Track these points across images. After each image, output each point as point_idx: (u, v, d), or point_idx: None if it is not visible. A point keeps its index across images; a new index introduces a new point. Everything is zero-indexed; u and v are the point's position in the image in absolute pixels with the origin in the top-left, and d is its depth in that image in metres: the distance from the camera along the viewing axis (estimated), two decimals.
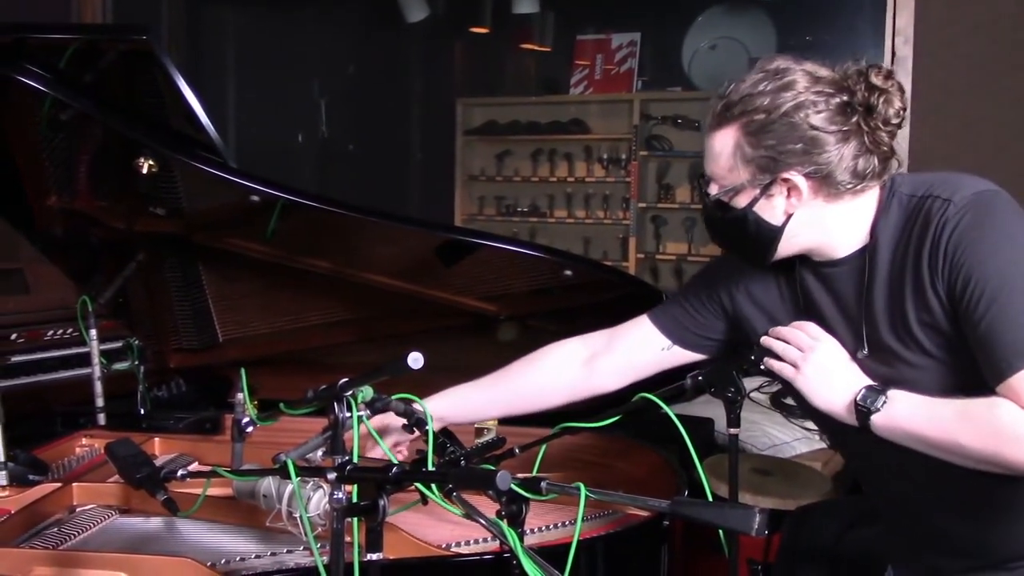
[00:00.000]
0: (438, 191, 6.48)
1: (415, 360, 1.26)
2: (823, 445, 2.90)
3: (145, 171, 2.04)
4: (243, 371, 1.98)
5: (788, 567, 1.94)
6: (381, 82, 6.48)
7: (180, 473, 1.71)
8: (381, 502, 1.28)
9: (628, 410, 1.77)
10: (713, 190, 1.60)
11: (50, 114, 2.06)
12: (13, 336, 3.38)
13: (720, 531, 1.76)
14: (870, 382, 1.55)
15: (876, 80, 1.50)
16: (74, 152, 2.26)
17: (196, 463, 2.50)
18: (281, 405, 1.77)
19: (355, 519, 1.41)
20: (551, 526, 2.05)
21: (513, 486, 1.26)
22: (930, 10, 3.38)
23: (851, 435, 1.60)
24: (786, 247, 1.60)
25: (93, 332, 2.38)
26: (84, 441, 2.55)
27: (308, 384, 2.49)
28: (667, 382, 1.85)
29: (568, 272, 2.06)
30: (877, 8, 3.65)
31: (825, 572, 1.87)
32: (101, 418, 2.47)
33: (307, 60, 6.10)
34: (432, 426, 1.60)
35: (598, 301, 2.32)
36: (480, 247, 2.24)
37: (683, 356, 1.86)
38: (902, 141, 3.71)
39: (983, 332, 1.42)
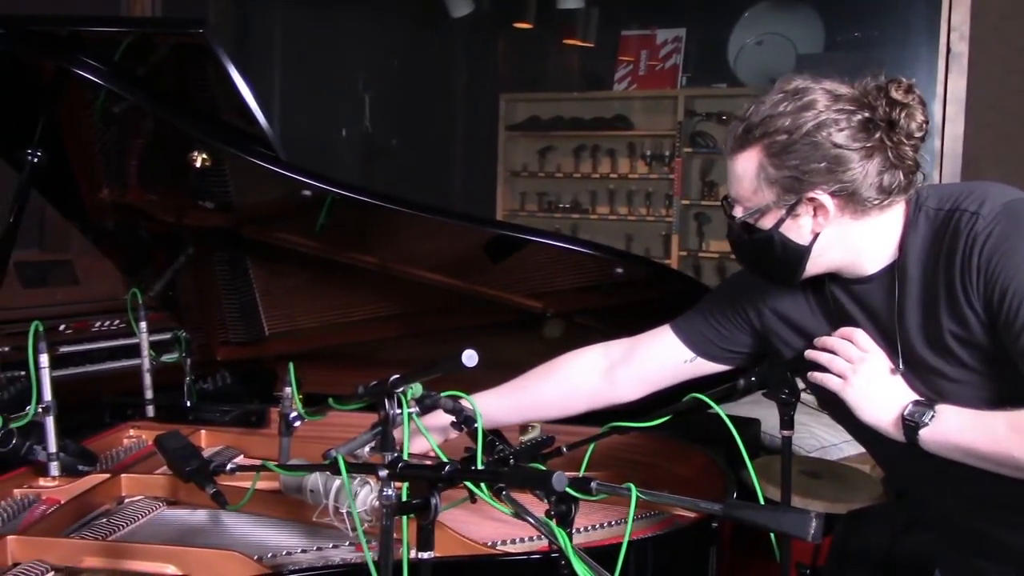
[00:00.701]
0: (480, 186, 6.47)
1: (469, 358, 1.25)
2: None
3: (198, 165, 2.05)
4: (291, 365, 1.98)
5: (838, 572, 1.90)
6: (424, 77, 6.48)
7: (229, 467, 1.71)
8: (433, 500, 1.26)
9: (679, 410, 1.75)
10: (738, 212, 1.58)
11: (104, 107, 2.07)
12: (62, 327, 3.42)
13: (771, 535, 1.74)
14: (916, 396, 1.53)
15: (897, 95, 1.48)
16: (126, 146, 2.27)
17: (242, 456, 2.51)
18: (330, 400, 1.77)
19: (405, 517, 1.40)
20: (597, 526, 2.04)
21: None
22: (987, 5, 3.31)
23: (888, 445, 1.57)
24: (814, 266, 1.58)
25: (143, 324, 2.39)
26: (131, 432, 2.57)
27: (353, 379, 2.48)
28: (719, 382, 1.83)
29: (619, 270, 2.03)
30: (931, 4, 3.58)
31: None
32: (150, 410, 2.48)
33: (351, 55, 6.12)
34: (481, 424, 1.58)
35: (645, 298, 2.30)
36: (529, 243, 2.22)
37: (706, 367, 1.85)
38: (955, 141, 3.68)
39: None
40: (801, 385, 1.69)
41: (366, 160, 6.31)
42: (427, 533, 1.29)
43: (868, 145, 1.47)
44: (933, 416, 1.48)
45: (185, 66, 2.20)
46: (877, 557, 1.84)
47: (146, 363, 2.42)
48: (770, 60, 5.76)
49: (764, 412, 2.78)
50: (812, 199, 1.51)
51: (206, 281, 2.58)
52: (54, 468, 2.10)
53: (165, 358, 2.50)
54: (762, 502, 1.63)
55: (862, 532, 1.91)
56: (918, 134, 1.49)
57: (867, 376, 1.56)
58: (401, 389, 1.44)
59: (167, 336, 2.73)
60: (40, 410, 2.03)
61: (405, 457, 1.46)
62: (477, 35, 6.56)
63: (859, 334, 1.60)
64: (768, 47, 5.77)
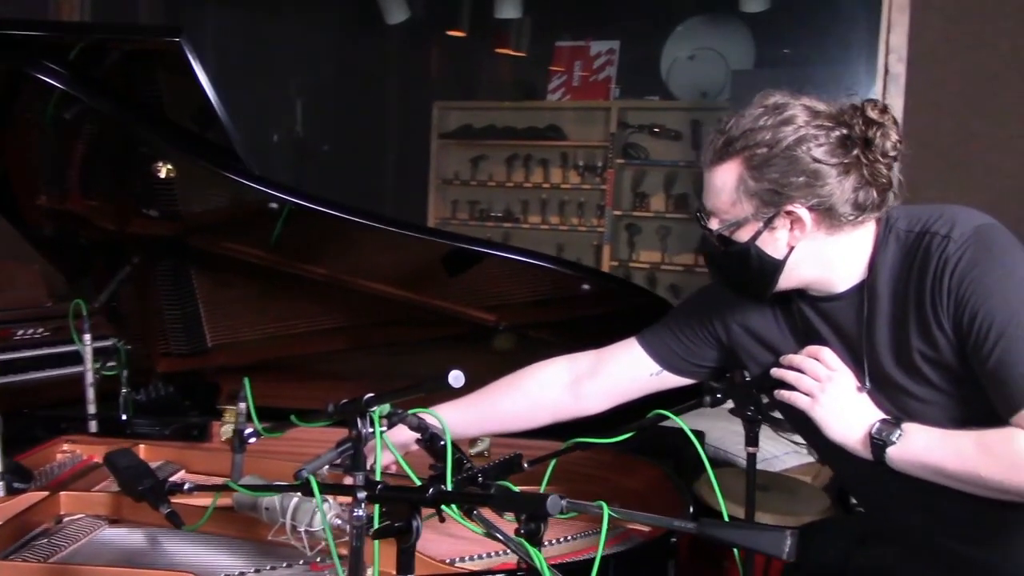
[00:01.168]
0: (412, 193, 6.43)
1: (456, 379, 1.22)
2: (811, 459, 2.90)
3: (163, 175, 1.98)
4: (246, 380, 1.93)
5: None
6: (358, 83, 6.41)
7: (187, 486, 1.66)
8: (415, 523, 1.24)
9: (643, 426, 1.75)
10: (714, 224, 1.60)
11: (54, 112, 1.99)
12: None
13: (735, 552, 1.75)
14: (883, 415, 1.56)
15: (872, 114, 1.52)
16: (68, 152, 2.19)
17: (183, 471, 2.44)
18: (292, 417, 1.72)
19: (375, 540, 1.37)
20: (552, 541, 2.03)
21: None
22: (924, 28, 3.40)
23: (855, 463, 1.60)
24: (787, 280, 1.61)
25: (87, 336, 2.31)
26: (65, 447, 2.48)
27: (298, 392, 2.47)
28: (682, 396, 1.84)
29: (586, 286, 2.02)
30: (870, 26, 3.67)
31: None
32: (93, 425, 2.39)
33: (284, 58, 6.03)
34: (450, 441, 1.56)
35: (601, 312, 2.29)
36: (490, 258, 2.20)
37: (672, 381, 1.87)
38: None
39: (993, 366, 1.44)
40: (766, 401, 1.71)
41: (297, 164, 6.22)
42: (408, 556, 1.26)
43: (845, 161, 1.50)
44: (900, 435, 1.52)
45: (132, 71, 2.13)
46: (832, 571, 1.86)
47: (89, 376, 2.33)
48: (702, 74, 5.84)
49: (706, 424, 2.80)
50: (790, 212, 1.53)
51: (147, 291, 2.50)
52: (1, 488, 2.01)
53: (106, 371, 2.41)
54: (726, 518, 1.64)
55: (816, 546, 1.93)
56: (892, 153, 1.52)
57: (834, 394, 1.58)
58: (374, 408, 1.40)
59: (102, 345, 2.63)
60: None
61: (378, 477, 1.43)
62: (411, 41, 6.52)
63: (826, 352, 1.62)
64: (700, 61, 5.85)
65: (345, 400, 1.47)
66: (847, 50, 4.15)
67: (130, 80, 2.09)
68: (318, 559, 1.90)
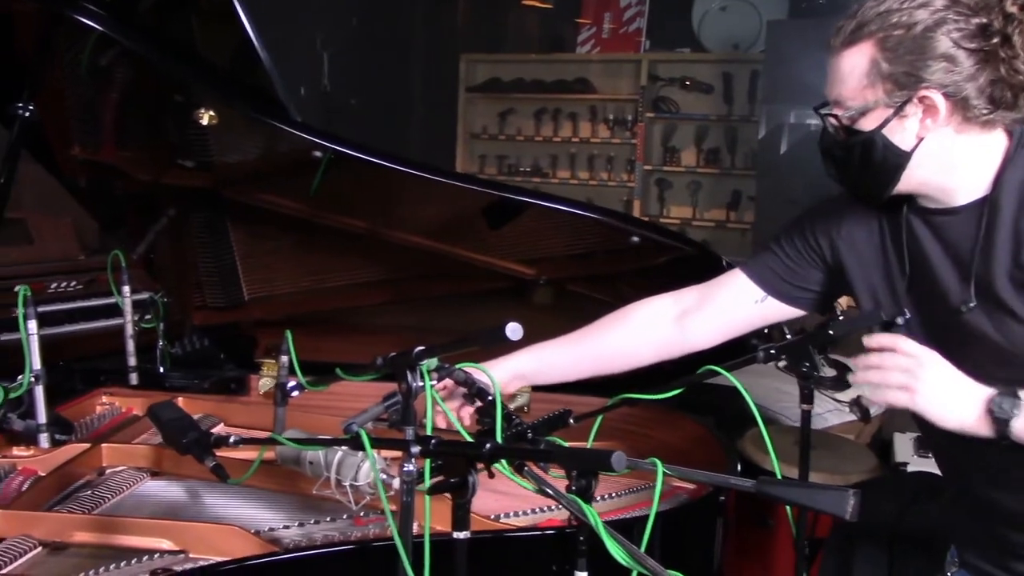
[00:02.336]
0: (439, 148, 6.38)
1: (514, 331, 1.19)
2: (853, 417, 2.87)
3: (205, 122, 1.94)
4: (288, 334, 1.91)
5: (844, 544, 1.89)
6: (385, 36, 6.33)
7: (233, 439, 1.64)
8: (471, 479, 1.21)
9: (693, 382, 1.71)
10: (835, 111, 1.54)
11: (91, 57, 1.95)
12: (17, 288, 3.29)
13: (787, 510, 1.72)
14: (992, 389, 1.48)
15: (1012, 9, 1.45)
16: (103, 100, 2.15)
17: (222, 424, 2.44)
18: (337, 370, 1.70)
19: (429, 496, 1.35)
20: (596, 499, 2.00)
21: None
22: None
23: (969, 447, 1.54)
24: (907, 180, 1.53)
25: (126, 289, 2.28)
26: (104, 399, 2.47)
27: (336, 346, 2.44)
28: (732, 355, 1.78)
29: (635, 239, 1.97)
30: None
31: (884, 550, 1.83)
32: (133, 377, 2.38)
33: (310, 13, 5.95)
34: (500, 397, 1.53)
35: (646, 265, 2.25)
36: (532, 208, 2.14)
37: (778, 310, 1.76)
38: None
39: None
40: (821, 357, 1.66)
41: (325, 119, 6.16)
42: (464, 512, 1.24)
43: (985, 49, 1.44)
44: (1020, 404, 1.41)
45: (165, 14, 2.09)
46: (884, 531, 1.83)
47: (129, 329, 2.31)
48: (734, 26, 5.74)
49: (749, 380, 2.76)
50: (924, 98, 1.47)
51: (183, 243, 2.48)
52: (44, 440, 2.01)
53: (143, 323, 2.39)
54: (779, 475, 1.60)
55: (869, 505, 1.89)
56: None
57: (931, 381, 1.47)
58: (424, 362, 1.37)
59: (139, 298, 2.62)
60: (32, 379, 1.93)
61: (429, 432, 1.41)
62: None
63: (901, 341, 1.54)
64: (732, 12, 5.75)
65: (393, 353, 1.44)
66: None
67: (162, 24, 2.05)
68: (362, 513, 1.89)
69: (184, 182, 2.35)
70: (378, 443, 1.33)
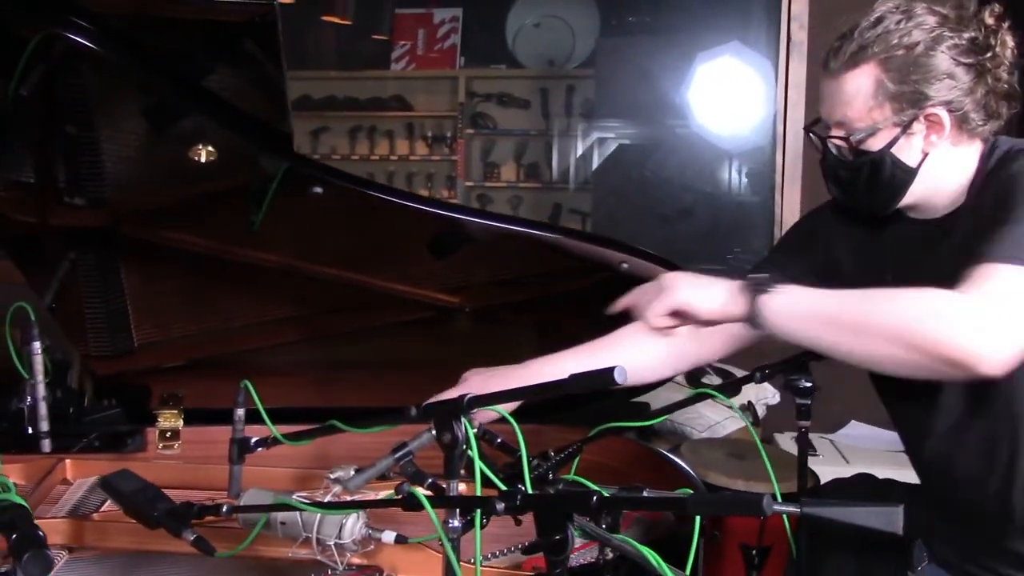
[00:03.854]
0: None
1: (621, 374, 1.13)
2: (745, 423, 2.97)
3: (203, 159, 1.75)
4: (247, 384, 1.75)
5: (810, 551, 1.93)
6: None
7: (226, 508, 1.48)
8: (570, 532, 1.14)
9: (686, 404, 1.71)
10: (840, 133, 1.57)
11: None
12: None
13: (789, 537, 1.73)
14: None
15: (990, 20, 1.55)
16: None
17: None
18: (334, 422, 1.57)
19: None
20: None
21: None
22: None
23: (913, 407, 1.61)
24: (908, 195, 1.59)
25: (37, 345, 2.02)
26: None
27: (237, 390, 2.26)
28: None
29: (625, 265, 1.92)
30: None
31: (850, 552, 1.88)
32: (46, 444, 2.11)
33: None
34: (523, 443, 1.46)
35: (580, 288, 2.22)
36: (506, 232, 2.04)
37: None
38: (797, 125, 3.88)
39: (1000, 226, 1.43)
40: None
41: None
42: (563, 571, 1.16)
43: (977, 63, 1.51)
44: (777, 284, 1.47)
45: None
46: (851, 532, 1.88)
47: (41, 390, 2.05)
48: (548, 42, 5.83)
49: (648, 397, 2.80)
50: (930, 115, 1.52)
51: (67, 287, 2.23)
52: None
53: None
54: (779, 497, 1.63)
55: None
56: (1010, 59, 1.54)
57: (679, 279, 1.54)
58: (474, 411, 1.29)
59: None
60: None
61: (478, 492, 1.32)
62: None
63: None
64: (545, 29, 5.84)
65: (433, 399, 1.35)
66: (749, 19, 4.22)
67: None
68: (333, 572, 1.76)
69: (73, 222, 2.13)
70: (444, 501, 1.24)
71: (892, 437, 3.07)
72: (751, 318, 1.46)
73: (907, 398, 1.70)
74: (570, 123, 5.75)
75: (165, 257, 2.22)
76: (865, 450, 3.08)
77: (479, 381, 1.69)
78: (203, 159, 1.89)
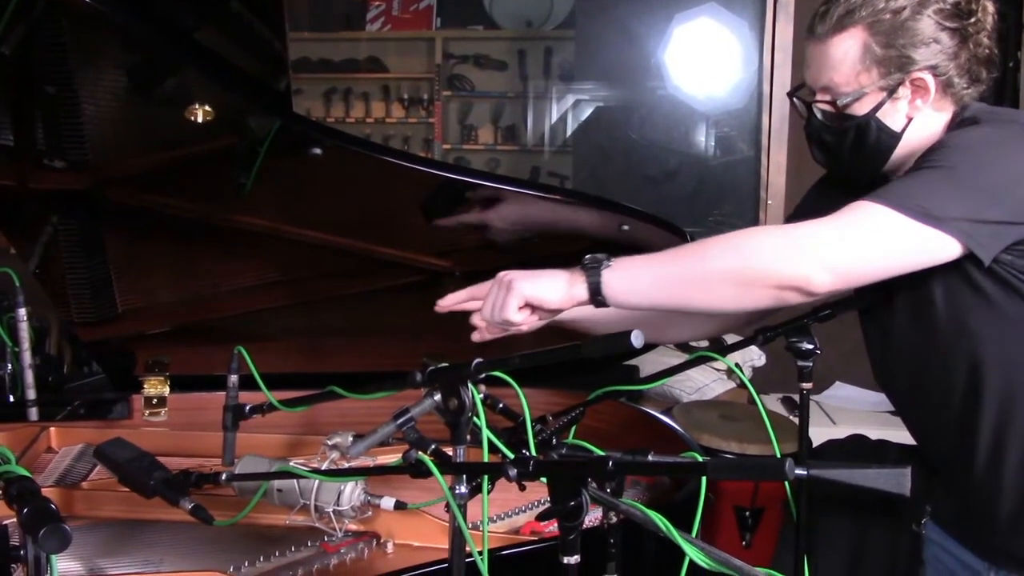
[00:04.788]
0: None
1: (637, 337, 1.11)
2: (733, 384, 2.98)
3: (199, 119, 1.69)
4: (241, 349, 1.72)
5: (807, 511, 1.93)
6: None
7: (225, 476, 1.45)
8: (585, 498, 1.12)
9: (686, 367, 1.69)
10: (826, 98, 1.56)
11: None
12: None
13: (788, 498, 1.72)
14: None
15: None
16: None
17: None
18: (334, 387, 1.54)
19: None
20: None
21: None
22: None
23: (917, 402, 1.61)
24: (891, 160, 1.60)
25: (22, 312, 1.97)
26: None
27: (224, 356, 2.23)
28: None
29: (626, 227, 1.89)
30: None
31: (848, 513, 1.89)
32: (33, 413, 2.07)
33: None
34: (528, 409, 1.44)
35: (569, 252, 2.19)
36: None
37: None
38: (783, 87, 3.86)
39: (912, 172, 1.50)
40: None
41: None
42: (576, 536, 1.15)
43: (961, 28, 1.52)
44: (611, 259, 1.48)
45: None
46: (848, 494, 1.88)
47: (27, 358, 2.00)
48: (526, 3, 5.76)
49: (637, 360, 2.79)
50: (916, 80, 1.52)
51: (52, 253, 2.18)
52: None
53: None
54: (778, 455, 1.62)
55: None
56: (991, 25, 1.55)
57: (517, 276, 1.54)
58: (481, 376, 1.27)
59: None
60: None
61: (484, 456, 1.31)
62: None
63: None
64: None
65: (435, 366, 1.32)
66: None
67: None
68: (327, 538, 1.74)
69: (53, 186, 2.07)
70: (456, 467, 1.22)
71: (877, 398, 3.13)
72: (594, 298, 1.47)
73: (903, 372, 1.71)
74: (548, 85, 5.69)
75: (150, 221, 2.17)
76: (851, 411, 3.09)
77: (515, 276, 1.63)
78: (189, 120, 1.83)
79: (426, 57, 5.85)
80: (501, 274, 1.54)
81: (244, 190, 1.94)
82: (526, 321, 1.54)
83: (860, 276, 1.46)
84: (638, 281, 1.46)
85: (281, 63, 1.67)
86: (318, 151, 1.78)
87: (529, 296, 1.51)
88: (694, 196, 4.65)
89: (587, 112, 5.43)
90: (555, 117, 5.61)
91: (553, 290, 1.50)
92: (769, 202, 4.05)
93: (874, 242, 1.43)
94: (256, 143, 1.87)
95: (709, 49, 4.51)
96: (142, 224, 2.18)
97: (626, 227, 1.83)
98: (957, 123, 1.59)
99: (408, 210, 2.15)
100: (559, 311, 1.55)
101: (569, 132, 5.56)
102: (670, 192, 4.72)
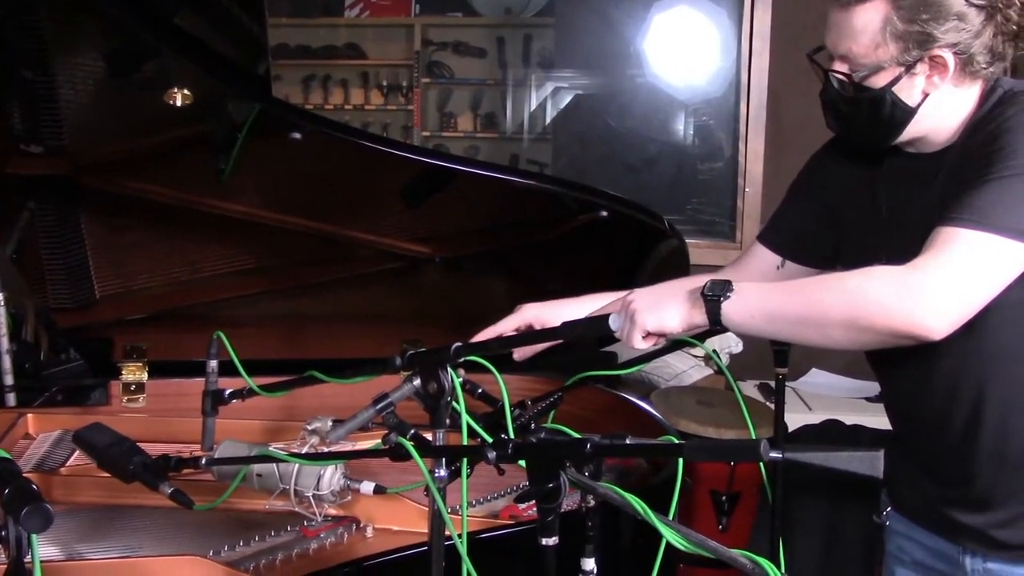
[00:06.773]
0: None
1: (615, 321, 1.11)
2: (710, 371, 3.00)
3: (179, 103, 1.68)
4: (221, 335, 1.72)
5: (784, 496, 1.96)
6: None
7: (205, 461, 1.45)
8: (563, 480, 1.13)
9: (664, 353, 1.71)
10: (844, 68, 1.55)
11: None
12: None
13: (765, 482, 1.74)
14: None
15: None
16: None
17: None
18: (313, 372, 1.54)
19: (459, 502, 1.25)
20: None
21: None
22: None
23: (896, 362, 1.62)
24: (906, 132, 1.58)
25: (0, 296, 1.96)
26: None
27: (202, 342, 2.24)
28: None
29: (604, 213, 1.90)
30: None
31: (821, 498, 1.91)
32: (10, 399, 2.06)
33: None
34: (507, 393, 1.44)
35: (550, 237, 2.21)
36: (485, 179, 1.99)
37: (799, 272, 1.77)
38: (761, 74, 3.88)
39: (977, 184, 1.44)
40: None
41: None
42: (554, 518, 1.16)
43: (989, 4, 1.49)
44: (732, 290, 1.48)
45: None
46: (821, 479, 1.91)
47: (4, 344, 1.99)
48: None
49: (617, 346, 2.80)
50: (935, 57, 1.51)
51: (29, 238, 2.17)
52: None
53: None
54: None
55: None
56: (1019, 1, 1.52)
57: (638, 301, 1.50)
58: (460, 360, 1.27)
59: None
60: None
61: (464, 441, 1.31)
62: None
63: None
64: None
65: (415, 350, 1.33)
66: None
67: None
68: (306, 523, 1.75)
69: (30, 171, 2.06)
70: (439, 452, 1.22)
71: (852, 384, 3.16)
72: (713, 325, 1.48)
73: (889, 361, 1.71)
74: (527, 73, 5.69)
75: (128, 207, 2.17)
76: (826, 397, 3.11)
77: (536, 309, 1.63)
78: (169, 105, 1.83)
79: (405, 44, 5.83)
80: (627, 299, 1.50)
81: (223, 176, 1.93)
82: (650, 345, 1.54)
83: (973, 310, 1.42)
84: (755, 319, 1.46)
85: (261, 48, 1.66)
86: (298, 136, 1.77)
87: (652, 329, 1.50)
88: (673, 183, 4.67)
89: (566, 100, 5.44)
90: (534, 105, 5.61)
91: (673, 320, 1.49)
92: (747, 190, 4.07)
93: (982, 275, 1.41)
94: (235, 128, 1.86)
95: (688, 37, 4.52)
96: (121, 210, 2.18)
97: (604, 213, 1.84)
98: (997, 100, 1.56)
99: (388, 196, 2.15)
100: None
101: (548, 120, 5.56)
102: (649, 180, 4.74)
